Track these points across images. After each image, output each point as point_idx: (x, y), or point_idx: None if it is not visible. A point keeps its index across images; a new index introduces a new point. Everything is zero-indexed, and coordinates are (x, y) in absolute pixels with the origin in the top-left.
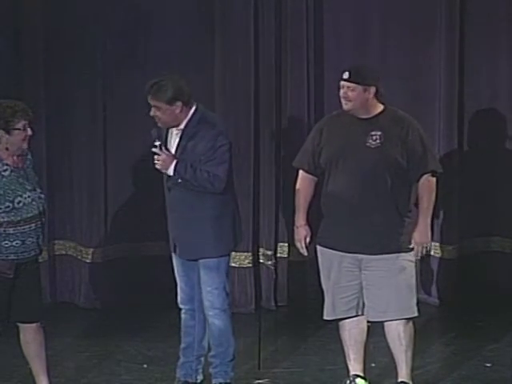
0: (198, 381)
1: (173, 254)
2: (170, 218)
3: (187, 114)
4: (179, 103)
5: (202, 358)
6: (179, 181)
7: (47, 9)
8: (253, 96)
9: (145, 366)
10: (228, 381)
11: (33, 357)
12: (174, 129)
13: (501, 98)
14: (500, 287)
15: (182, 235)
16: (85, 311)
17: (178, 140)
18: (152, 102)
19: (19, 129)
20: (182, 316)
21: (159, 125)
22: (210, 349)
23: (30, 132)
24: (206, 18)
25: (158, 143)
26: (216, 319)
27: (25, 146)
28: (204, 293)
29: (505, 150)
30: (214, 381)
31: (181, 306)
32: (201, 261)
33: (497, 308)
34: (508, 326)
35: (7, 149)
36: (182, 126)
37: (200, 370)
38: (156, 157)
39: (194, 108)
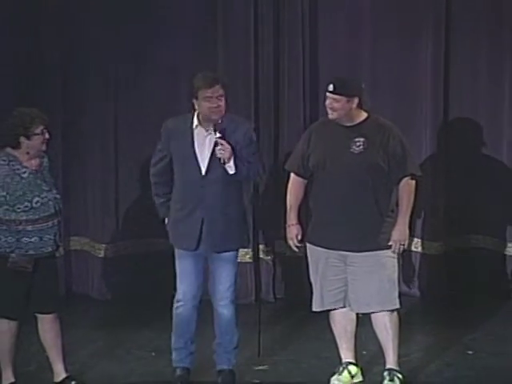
0: (191, 367)
1: (182, 255)
2: (197, 214)
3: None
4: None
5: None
6: (239, 171)
7: (66, 23)
8: (253, 99)
9: (153, 354)
10: (231, 367)
11: (50, 345)
12: (205, 128)
13: (482, 104)
14: (479, 280)
15: (217, 229)
16: (98, 303)
17: (214, 137)
18: (218, 92)
19: (38, 133)
20: (184, 312)
21: (215, 117)
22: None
23: (47, 135)
24: (209, 31)
25: (219, 135)
26: (225, 309)
27: (43, 148)
28: (217, 284)
29: (486, 153)
30: (218, 367)
31: (186, 301)
32: (223, 254)
33: (477, 300)
34: (487, 317)
35: (28, 153)
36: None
37: (193, 359)
38: (220, 147)
39: None
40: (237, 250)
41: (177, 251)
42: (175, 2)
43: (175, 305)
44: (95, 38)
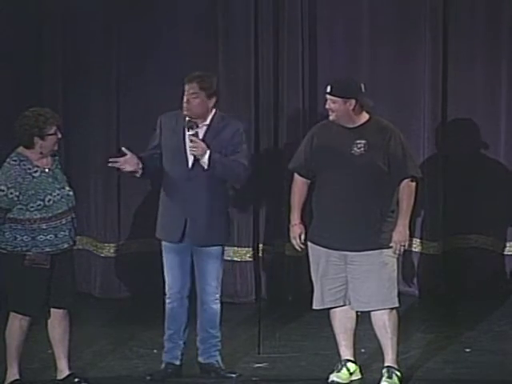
0: (181, 363)
1: (168, 248)
2: (183, 207)
3: (212, 112)
4: (214, 99)
5: (185, 342)
6: (214, 169)
7: (67, 24)
8: (253, 99)
9: (155, 351)
10: (220, 358)
11: (57, 341)
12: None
13: (480, 105)
14: (476, 279)
15: (201, 223)
16: (100, 301)
17: (203, 134)
18: (193, 89)
19: (52, 134)
20: (170, 305)
21: (185, 112)
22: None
23: (59, 135)
24: (209, 31)
25: (192, 132)
26: (215, 304)
27: (56, 147)
28: (208, 280)
29: (482, 156)
30: (205, 360)
31: (172, 295)
32: (207, 249)
33: (474, 298)
34: (483, 315)
35: (41, 153)
36: (207, 122)
37: (183, 354)
38: (193, 144)
39: (215, 110)
40: (222, 246)
41: (163, 245)
42: (176, 2)
43: (166, 299)
44: (96, 39)
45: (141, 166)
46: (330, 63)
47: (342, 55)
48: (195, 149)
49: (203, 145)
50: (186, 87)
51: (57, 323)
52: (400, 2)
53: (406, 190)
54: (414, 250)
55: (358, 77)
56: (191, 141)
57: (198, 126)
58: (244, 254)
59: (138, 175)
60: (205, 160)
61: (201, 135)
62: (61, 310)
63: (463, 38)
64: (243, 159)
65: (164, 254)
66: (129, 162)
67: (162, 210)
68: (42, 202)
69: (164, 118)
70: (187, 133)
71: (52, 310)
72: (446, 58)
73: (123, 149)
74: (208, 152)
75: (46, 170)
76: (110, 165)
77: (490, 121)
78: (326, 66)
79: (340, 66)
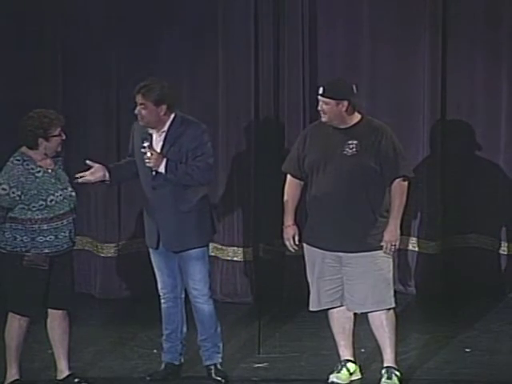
0: (181, 363)
1: (152, 251)
2: (153, 215)
3: (169, 118)
4: (164, 106)
5: (184, 342)
6: (172, 177)
7: (66, 28)
8: (253, 99)
9: (155, 351)
10: (220, 361)
11: (56, 341)
12: (157, 131)
13: (478, 109)
14: (475, 279)
15: (171, 229)
16: (100, 301)
17: (162, 141)
18: (140, 100)
19: (56, 135)
20: (165, 305)
21: (141, 123)
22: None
23: (64, 137)
24: (209, 32)
25: (146, 144)
26: (205, 305)
27: (60, 149)
28: (191, 282)
29: (481, 157)
30: (207, 362)
31: (165, 295)
32: (186, 252)
33: (473, 298)
34: (483, 314)
35: (45, 154)
36: (165, 128)
37: (183, 354)
38: (147, 156)
39: (174, 114)
40: (202, 248)
41: (149, 249)
42: (176, 3)
43: (161, 300)
44: (96, 38)
45: (108, 175)
46: (330, 63)
47: (342, 55)
48: (148, 160)
49: (157, 155)
50: (136, 99)
51: (56, 324)
52: (400, 1)
53: (398, 189)
54: (412, 249)
55: (358, 76)
56: (144, 153)
57: (151, 138)
58: (244, 253)
59: (107, 183)
60: (161, 170)
61: (160, 142)
62: (60, 311)
63: (463, 37)
64: (207, 160)
65: (151, 258)
66: (94, 174)
67: (144, 217)
68: (44, 203)
69: (135, 125)
70: (142, 144)
71: (51, 310)
72: (446, 57)
73: (88, 162)
74: (164, 162)
75: (49, 171)
76: (79, 181)
77: (489, 120)
78: (325, 65)
79: (340, 65)
